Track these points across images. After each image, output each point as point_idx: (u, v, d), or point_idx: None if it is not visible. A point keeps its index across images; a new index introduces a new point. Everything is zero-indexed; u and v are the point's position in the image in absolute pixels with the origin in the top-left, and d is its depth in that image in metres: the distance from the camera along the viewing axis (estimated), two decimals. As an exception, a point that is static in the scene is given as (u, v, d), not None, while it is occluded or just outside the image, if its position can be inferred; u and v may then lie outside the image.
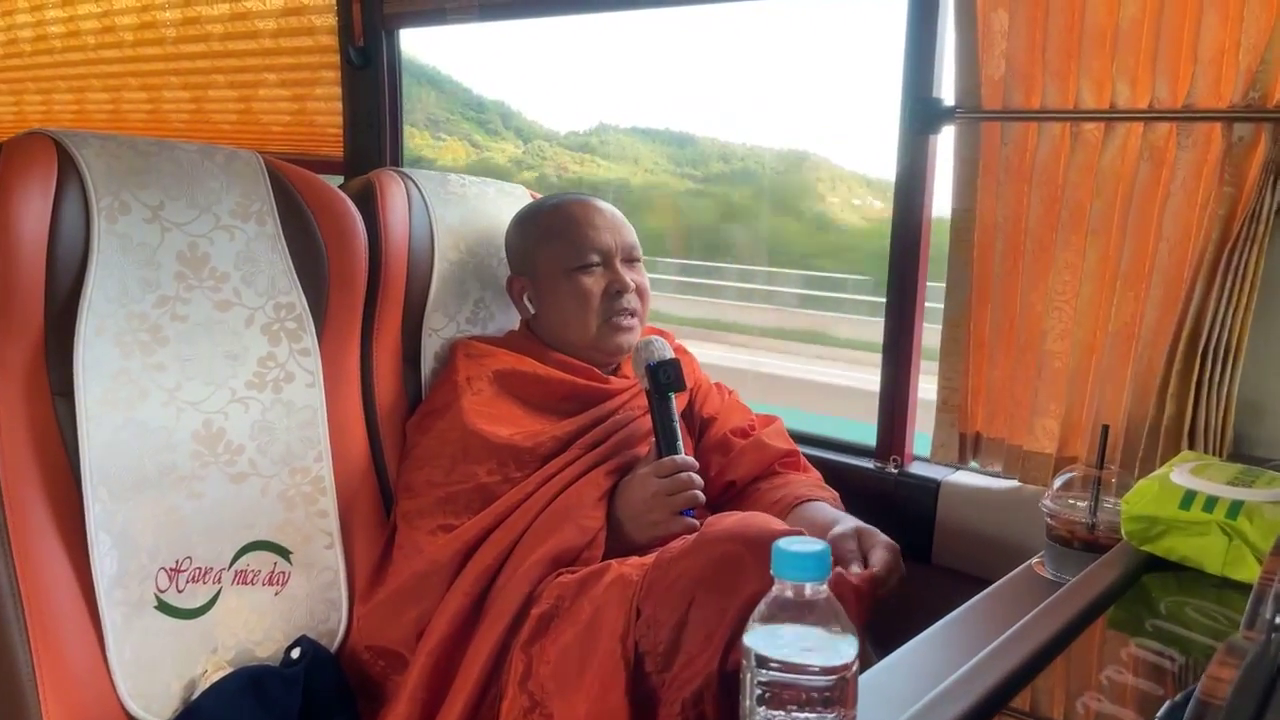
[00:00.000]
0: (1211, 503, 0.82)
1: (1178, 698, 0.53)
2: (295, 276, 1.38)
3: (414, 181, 1.57)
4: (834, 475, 1.58)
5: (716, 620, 1.03)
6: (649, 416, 1.35)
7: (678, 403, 1.39)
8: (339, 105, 2.20)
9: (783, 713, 0.63)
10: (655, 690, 1.08)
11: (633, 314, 1.46)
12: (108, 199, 1.22)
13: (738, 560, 1.04)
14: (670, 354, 1.36)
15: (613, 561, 1.19)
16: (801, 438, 1.65)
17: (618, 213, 1.50)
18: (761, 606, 0.64)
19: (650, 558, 1.16)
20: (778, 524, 1.10)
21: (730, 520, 1.12)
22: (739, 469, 1.46)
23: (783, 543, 0.64)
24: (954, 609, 0.99)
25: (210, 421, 1.28)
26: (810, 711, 0.62)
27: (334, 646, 1.36)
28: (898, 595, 1.53)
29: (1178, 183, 1.23)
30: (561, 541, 1.25)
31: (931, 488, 1.49)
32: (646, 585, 1.10)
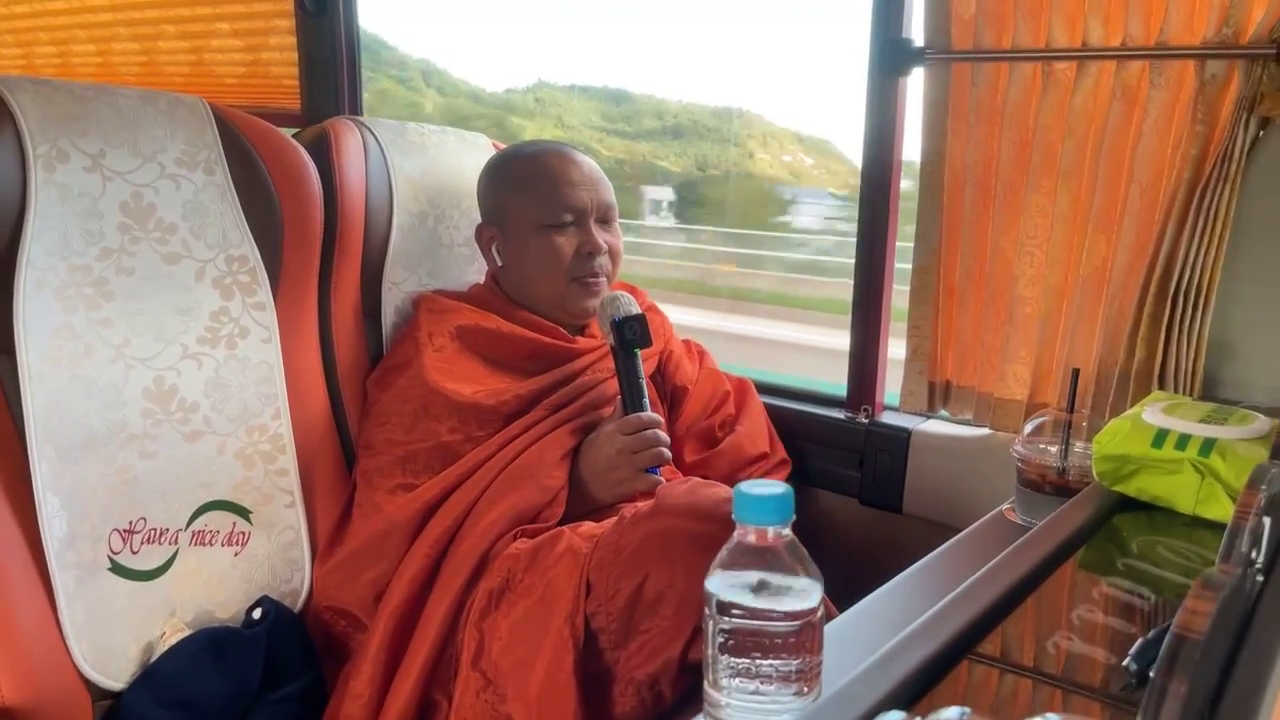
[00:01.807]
0: (1184, 441, 0.80)
1: (1151, 634, 0.52)
2: (247, 228, 1.33)
3: (371, 130, 1.52)
4: (805, 426, 1.57)
5: (678, 604, 1.01)
6: (615, 379, 1.33)
7: (647, 364, 1.37)
8: (295, 55, 2.13)
9: (747, 660, 0.61)
10: (610, 667, 1.06)
11: (603, 276, 1.42)
12: (44, 146, 1.16)
13: (694, 537, 1.01)
14: (636, 309, 1.33)
15: (565, 529, 1.17)
16: (772, 389, 1.64)
17: (596, 167, 1.45)
18: (724, 551, 0.62)
19: (604, 524, 1.14)
20: (727, 492, 1.07)
21: (681, 490, 1.09)
22: (716, 469, 1.45)
23: (744, 486, 0.61)
24: (930, 554, 0.98)
25: (161, 378, 1.24)
26: (775, 658, 0.60)
27: (297, 607, 1.33)
28: (870, 545, 1.53)
29: (1150, 122, 1.21)
30: (521, 500, 1.22)
31: (902, 437, 1.48)
32: (596, 558, 1.08)
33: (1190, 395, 1.20)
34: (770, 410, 1.56)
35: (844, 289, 1.49)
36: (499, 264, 1.45)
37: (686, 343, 1.60)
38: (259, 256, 1.34)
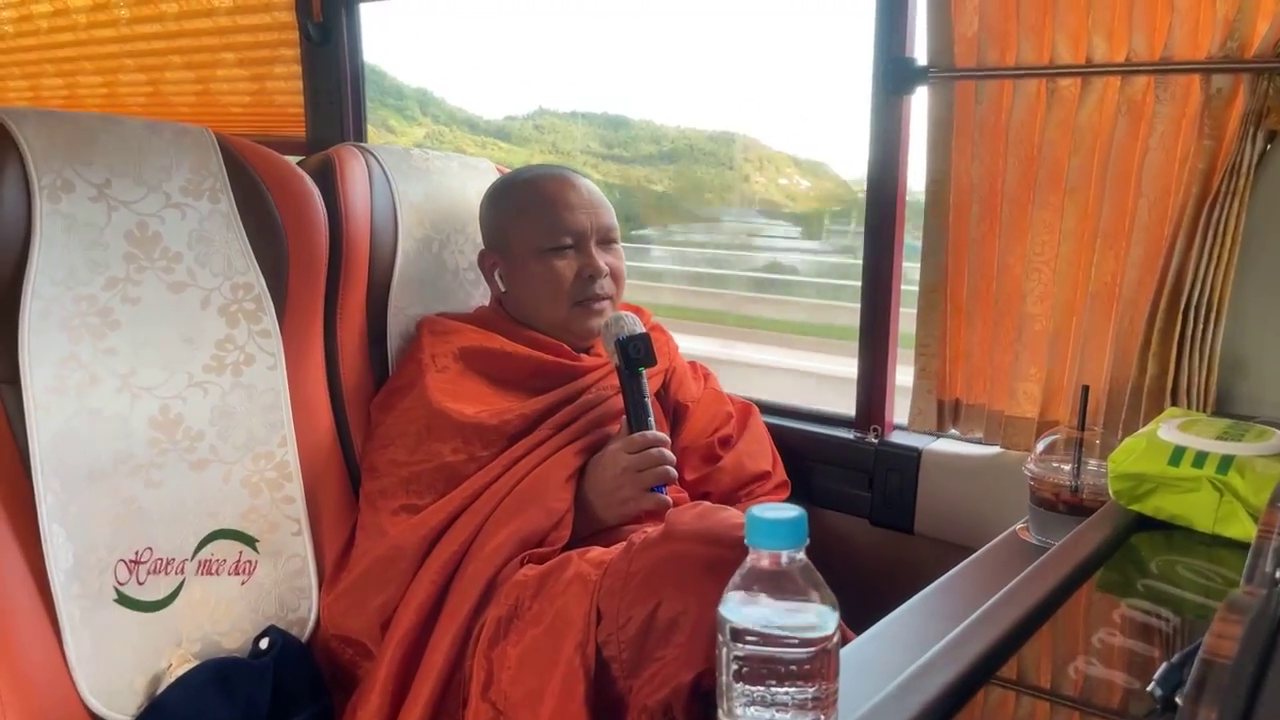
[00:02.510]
0: (1201, 458, 0.79)
1: (1176, 658, 0.51)
2: (252, 256, 1.33)
3: (375, 156, 1.52)
4: (814, 446, 1.56)
5: (691, 631, 1.00)
6: (619, 396, 1.32)
7: (651, 382, 1.36)
8: (299, 84, 2.14)
9: (762, 688, 0.60)
10: (623, 696, 1.04)
11: (606, 298, 1.42)
12: (49, 176, 1.16)
13: (707, 562, 1.00)
14: (641, 329, 1.32)
15: (573, 555, 1.15)
16: (781, 410, 1.63)
17: (596, 190, 1.45)
18: (736, 577, 0.61)
19: (612, 550, 1.13)
20: (739, 516, 1.06)
21: (691, 514, 1.08)
22: (717, 485, 1.44)
23: (756, 510, 0.61)
24: (944, 575, 0.97)
25: (167, 407, 1.23)
26: (790, 686, 0.59)
27: (305, 636, 1.32)
28: (881, 566, 1.52)
29: (1156, 137, 1.20)
30: (527, 523, 1.21)
31: (913, 457, 1.46)
32: (606, 585, 1.06)
33: (1203, 411, 1.19)
34: (778, 431, 1.55)
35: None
36: (502, 289, 1.45)
37: (692, 364, 1.59)
38: (264, 284, 1.33)
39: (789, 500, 1.48)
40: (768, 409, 1.59)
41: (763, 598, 0.60)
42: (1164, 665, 0.50)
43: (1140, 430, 0.89)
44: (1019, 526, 1.13)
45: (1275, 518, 0.54)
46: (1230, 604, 0.43)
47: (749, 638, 0.59)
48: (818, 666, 0.59)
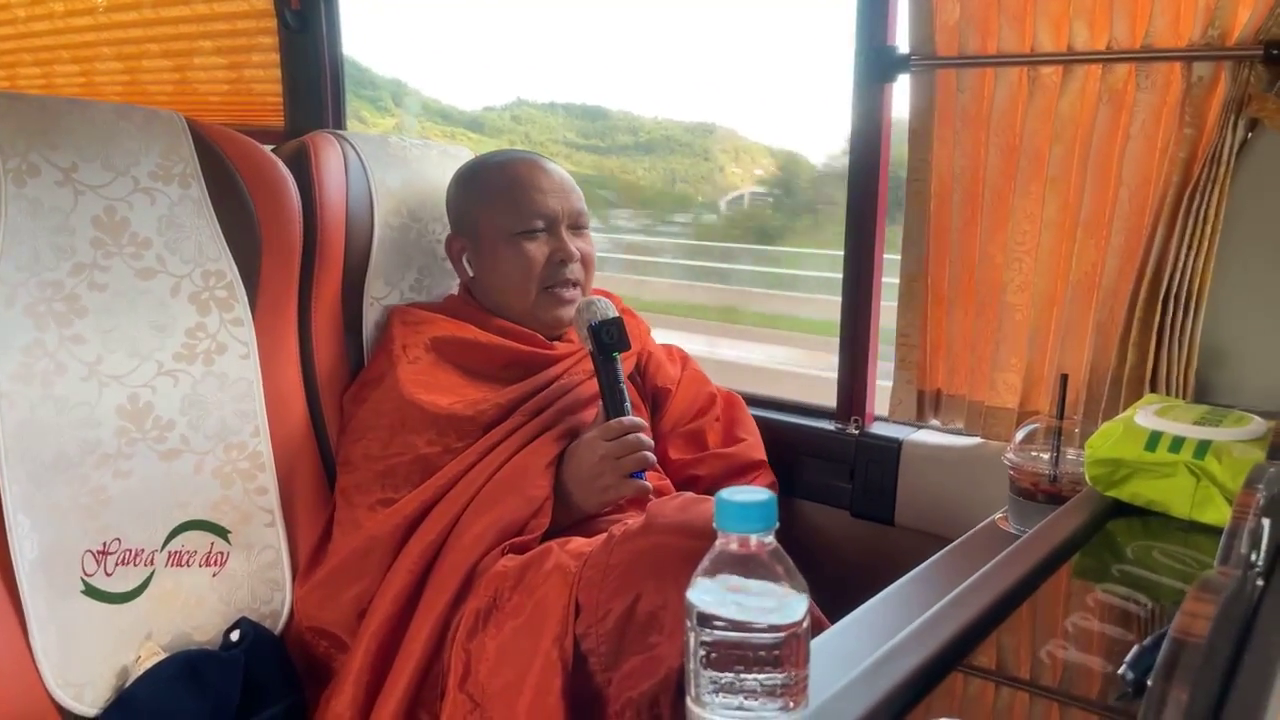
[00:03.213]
0: (1178, 443, 0.78)
1: (1147, 641, 0.50)
2: (224, 242, 1.31)
3: (351, 144, 1.50)
4: (794, 437, 1.55)
5: (674, 624, 0.98)
6: (594, 381, 1.31)
7: (625, 365, 1.34)
8: (278, 73, 2.12)
9: (730, 674, 0.58)
10: (602, 689, 1.03)
11: (575, 284, 1.40)
12: (15, 160, 1.14)
13: (687, 555, 0.98)
14: (614, 313, 1.31)
15: (553, 545, 1.14)
16: (761, 401, 1.61)
17: (566, 175, 1.44)
18: (705, 561, 0.60)
19: (593, 541, 1.11)
20: None
21: (673, 506, 1.07)
22: (709, 468, 1.44)
23: (725, 493, 0.59)
24: (921, 564, 0.96)
25: (136, 396, 1.21)
26: (759, 672, 0.58)
27: (278, 628, 1.30)
28: (862, 558, 1.51)
29: (1137, 125, 1.19)
30: (506, 512, 1.20)
31: (893, 448, 1.45)
32: (585, 577, 1.05)
33: (1183, 399, 1.18)
34: (759, 422, 1.54)
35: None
36: (470, 274, 1.44)
37: (667, 347, 1.58)
38: (236, 271, 1.31)
39: (769, 492, 1.47)
40: (750, 400, 1.58)
41: (731, 582, 0.59)
42: (1135, 648, 0.49)
43: (1118, 416, 0.89)
44: (998, 516, 1.13)
45: (1251, 500, 0.53)
46: (1203, 584, 0.42)
47: (717, 623, 0.58)
48: (787, 652, 0.58)
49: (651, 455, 1.26)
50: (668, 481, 1.39)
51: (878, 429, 1.50)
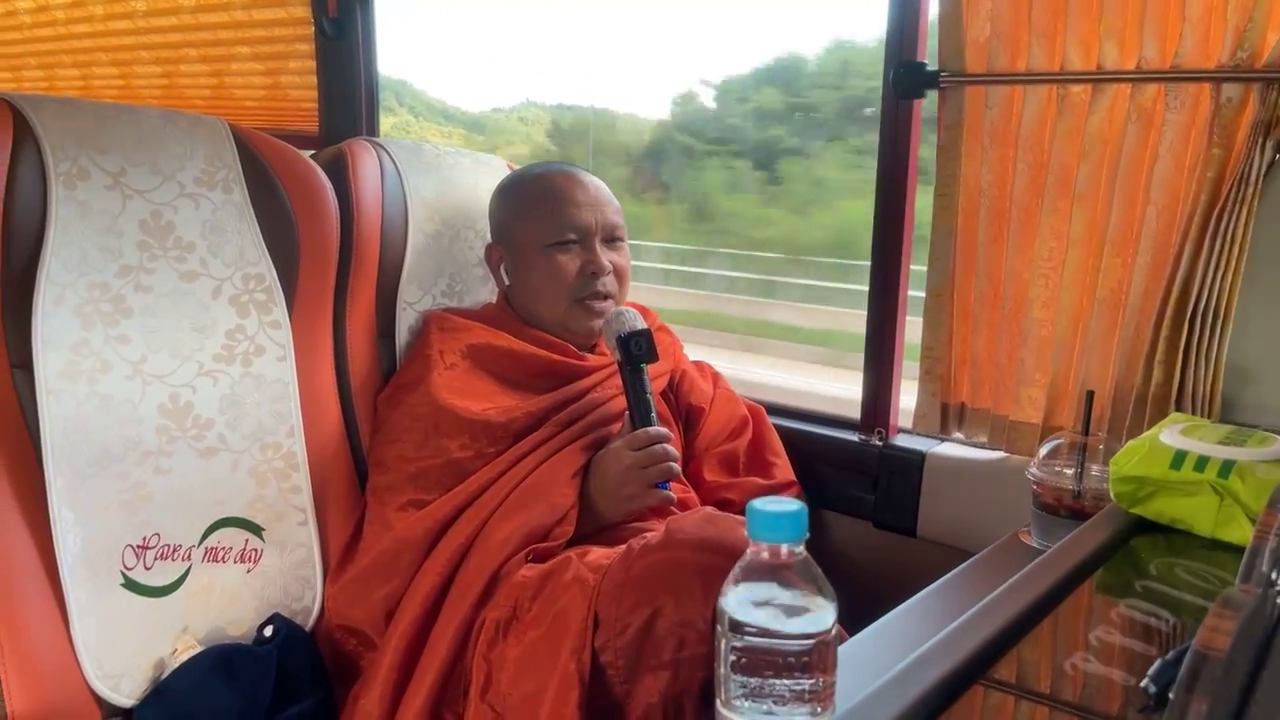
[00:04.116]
0: (1203, 462, 0.79)
1: (1170, 655, 0.51)
2: (264, 247, 1.34)
3: (387, 151, 1.53)
4: (818, 448, 1.56)
5: (696, 640, 1.00)
6: (624, 395, 1.33)
7: (657, 383, 1.36)
8: (314, 79, 2.16)
9: (759, 679, 0.60)
10: (622, 702, 1.04)
11: (607, 296, 1.42)
12: (65, 164, 1.17)
13: (706, 570, 0.99)
14: (642, 324, 1.33)
15: (573, 556, 1.16)
16: (784, 411, 1.63)
17: (603, 187, 1.46)
18: (736, 569, 0.62)
19: (613, 551, 1.13)
20: (741, 527, 1.06)
21: (693, 521, 1.08)
22: (745, 493, 1.45)
23: (758, 503, 0.61)
24: (943, 577, 0.97)
25: (177, 395, 1.24)
26: (788, 678, 0.60)
27: (309, 624, 1.33)
28: (884, 569, 1.52)
29: (1166, 145, 1.20)
30: (531, 518, 1.22)
31: (916, 460, 1.47)
32: (604, 589, 1.06)
33: (1208, 418, 1.19)
34: (782, 432, 1.56)
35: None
36: (507, 283, 1.46)
37: (699, 364, 1.60)
38: (275, 275, 1.34)
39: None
40: (773, 410, 1.60)
41: (762, 590, 0.60)
42: (1158, 661, 0.51)
43: (1143, 434, 0.90)
44: (1021, 530, 1.14)
45: (1273, 520, 0.54)
46: (1225, 600, 0.43)
47: (748, 630, 0.59)
48: (815, 659, 0.59)
49: (676, 466, 1.27)
50: (693, 493, 1.41)
51: (901, 441, 1.52)
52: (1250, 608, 0.44)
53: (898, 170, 1.44)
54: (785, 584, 0.60)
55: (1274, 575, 0.53)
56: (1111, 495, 0.86)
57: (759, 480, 1.47)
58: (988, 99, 1.32)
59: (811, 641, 0.59)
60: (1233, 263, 1.16)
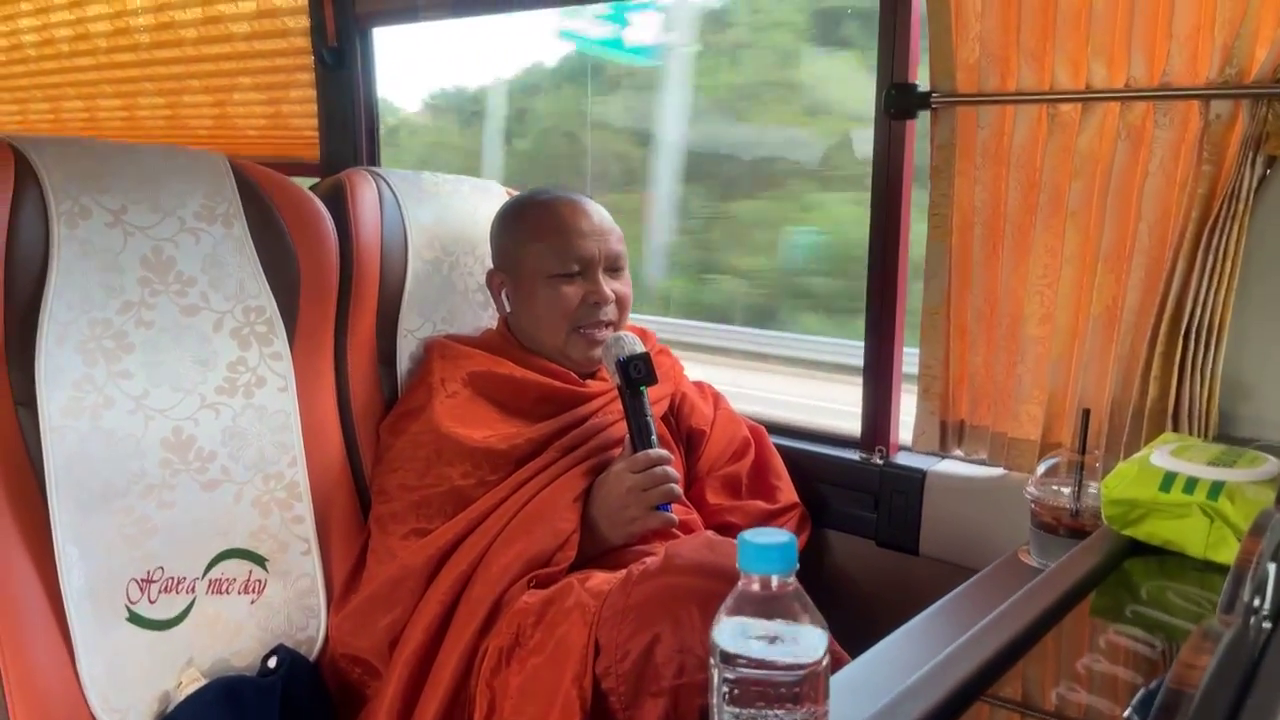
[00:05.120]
0: (1192, 484, 0.80)
1: (1152, 685, 0.51)
2: (264, 279, 1.35)
3: (386, 181, 1.55)
4: (819, 467, 1.57)
5: (694, 665, 1.00)
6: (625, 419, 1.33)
7: (658, 406, 1.37)
8: (314, 108, 2.18)
9: (752, 710, 0.61)
10: None
11: (608, 325, 1.43)
12: (67, 204, 1.19)
13: (703, 595, 1.00)
14: (641, 348, 1.34)
15: (574, 581, 1.16)
16: (785, 430, 1.63)
17: (606, 216, 1.46)
18: (729, 600, 0.62)
19: (615, 576, 1.13)
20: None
21: (691, 546, 1.09)
22: (747, 516, 1.45)
23: (748, 535, 0.62)
24: (943, 598, 0.98)
25: (180, 429, 1.25)
26: (780, 709, 0.60)
27: (313, 655, 1.33)
28: (887, 587, 1.52)
29: (1156, 162, 1.21)
30: (533, 544, 1.23)
31: (917, 478, 1.47)
32: (604, 616, 1.07)
33: (1205, 433, 1.19)
34: (783, 451, 1.56)
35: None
36: (508, 309, 1.47)
37: (699, 385, 1.60)
38: (276, 307, 1.36)
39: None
40: (774, 428, 1.60)
41: (753, 622, 0.61)
42: (1141, 691, 0.51)
43: (1133, 456, 0.90)
44: (1020, 549, 1.14)
45: (1256, 545, 0.54)
46: (1203, 633, 0.44)
47: (739, 661, 0.60)
48: (807, 689, 0.60)
49: (677, 488, 1.28)
50: (695, 515, 1.42)
51: (902, 459, 1.52)
52: (1229, 639, 0.44)
53: (892, 190, 1.45)
54: (776, 615, 0.61)
55: (1257, 602, 0.53)
56: (1103, 518, 0.86)
57: (762, 504, 1.47)
58: (979, 119, 1.33)
59: (803, 672, 0.60)
60: (1225, 278, 1.16)
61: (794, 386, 3.70)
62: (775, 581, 0.61)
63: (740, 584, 0.62)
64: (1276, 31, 1.11)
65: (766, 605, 0.61)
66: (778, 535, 0.62)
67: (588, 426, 1.37)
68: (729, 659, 0.60)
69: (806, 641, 0.60)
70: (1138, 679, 0.60)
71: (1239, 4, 1.12)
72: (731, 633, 0.61)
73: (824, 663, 0.61)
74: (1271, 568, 0.56)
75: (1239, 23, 1.13)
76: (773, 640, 0.60)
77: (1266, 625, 0.56)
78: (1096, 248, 1.27)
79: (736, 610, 0.62)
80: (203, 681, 1.22)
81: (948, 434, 1.45)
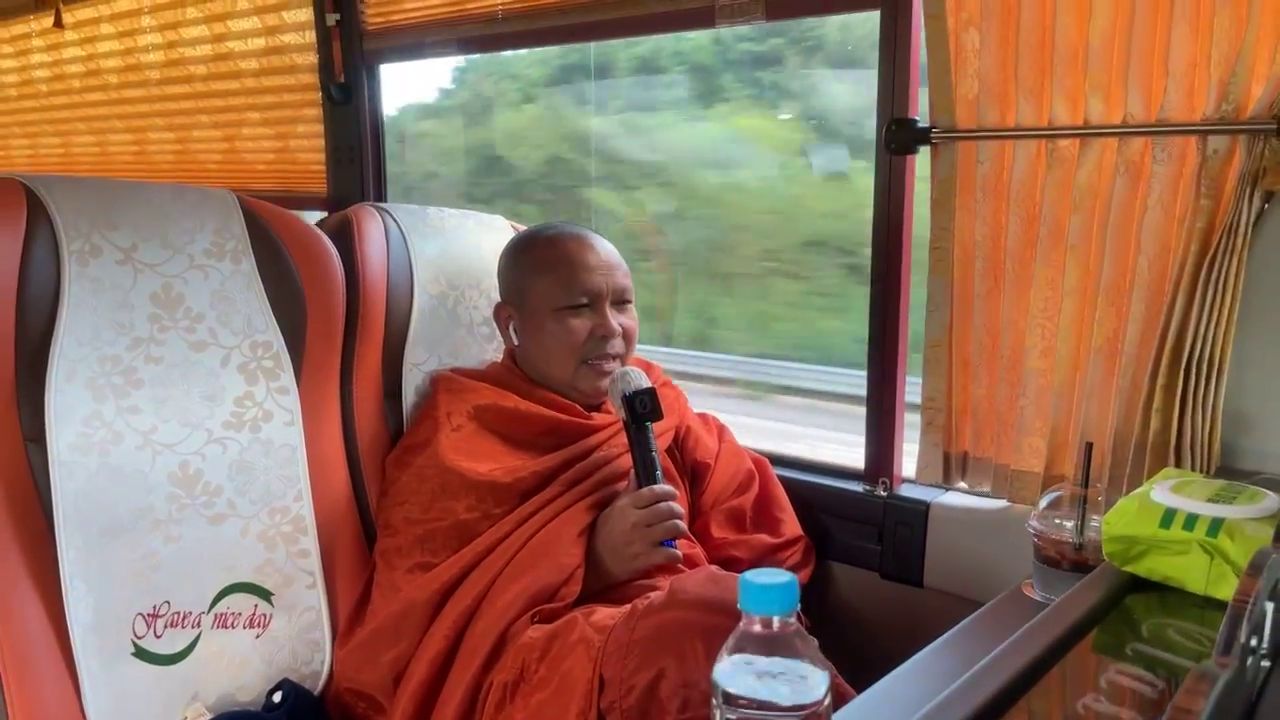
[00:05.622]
0: (1191, 521, 0.80)
1: (1151, 727, 0.52)
2: (272, 315, 1.37)
3: (392, 216, 1.57)
4: (822, 499, 1.57)
5: (699, 700, 1.00)
6: (630, 453, 1.34)
7: (663, 439, 1.37)
8: (321, 142, 2.20)
9: (753, 750, 0.61)
10: None
11: (615, 358, 1.44)
12: (78, 242, 1.21)
13: (707, 630, 1.01)
14: (646, 383, 1.35)
15: (579, 616, 1.17)
16: (789, 462, 1.64)
17: (613, 251, 1.48)
18: (730, 640, 0.63)
19: (619, 611, 1.14)
20: None
21: (695, 581, 1.09)
22: (752, 550, 1.46)
23: (749, 575, 0.62)
24: (947, 632, 0.98)
25: (187, 463, 1.26)
26: (782, 748, 0.61)
27: (317, 689, 1.34)
28: (892, 620, 1.52)
29: (1155, 197, 1.22)
30: (538, 579, 1.23)
31: (921, 510, 1.47)
32: (608, 651, 1.07)
33: (1207, 467, 1.19)
34: (787, 483, 1.56)
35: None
36: (515, 342, 1.48)
37: (703, 417, 1.61)
38: (283, 342, 1.37)
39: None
40: (777, 460, 1.61)
41: (755, 662, 0.61)
42: (1140, 734, 0.51)
43: (1134, 492, 0.90)
44: (1024, 582, 1.14)
45: (1253, 585, 0.55)
46: (1198, 675, 0.44)
47: (740, 702, 0.60)
48: (808, 730, 0.60)
49: (682, 524, 1.28)
50: (699, 549, 1.42)
51: (906, 491, 1.52)
52: (1225, 682, 0.44)
53: (893, 225, 1.46)
54: (778, 654, 0.61)
55: (1255, 642, 0.53)
56: (1104, 555, 0.87)
57: (767, 538, 1.47)
58: (979, 154, 1.34)
59: (805, 712, 0.60)
60: (1225, 311, 1.17)
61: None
62: (777, 622, 0.62)
63: (742, 624, 0.62)
64: (1271, 68, 1.12)
65: (768, 645, 0.62)
66: (779, 575, 0.62)
67: (593, 460, 1.38)
68: (730, 699, 0.61)
69: (808, 681, 0.61)
70: (1138, 720, 0.60)
71: (1234, 41, 1.14)
72: (733, 673, 0.61)
73: (825, 702, 0.61)
74: (1269, 606, 0.56)
75: (1234, 59, 1.14)
76: (774, 680, 0.61)
77: (1265, 664, 0.56)
78: (1097, 281, 1.28)
79: (738, 649, 0.62)
80: (208, 716, 1.22)
81: (951, 466, 1.45)
